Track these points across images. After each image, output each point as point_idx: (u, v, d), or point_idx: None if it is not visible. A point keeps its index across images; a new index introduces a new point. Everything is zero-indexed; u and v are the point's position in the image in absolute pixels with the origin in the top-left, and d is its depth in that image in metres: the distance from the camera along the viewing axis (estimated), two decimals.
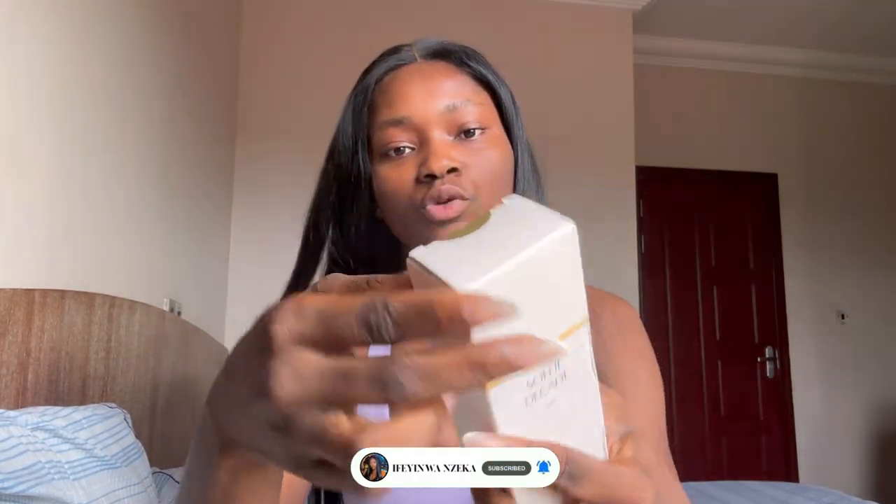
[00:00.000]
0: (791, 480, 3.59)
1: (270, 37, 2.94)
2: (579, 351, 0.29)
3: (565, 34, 3.21)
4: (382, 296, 0.23)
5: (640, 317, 0.76)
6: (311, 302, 0.25)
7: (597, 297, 0.71)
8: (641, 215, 3.66)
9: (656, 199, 3.76)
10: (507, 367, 0.23)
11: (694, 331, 3.73)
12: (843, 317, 3.89)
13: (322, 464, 0.25)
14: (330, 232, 0.68)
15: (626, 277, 3.10)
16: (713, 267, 3.81)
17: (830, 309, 3.89)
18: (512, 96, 0.67)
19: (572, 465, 0.27)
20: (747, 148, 3.92)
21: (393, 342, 0.24)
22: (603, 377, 0.64)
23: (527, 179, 0.66)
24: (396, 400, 0.23)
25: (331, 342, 0.24)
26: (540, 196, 0.68)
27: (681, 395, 3.61)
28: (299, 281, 0.69)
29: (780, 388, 3.75)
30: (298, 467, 0.26)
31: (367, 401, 0.23)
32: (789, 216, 3.91)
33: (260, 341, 0.25)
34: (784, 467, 3.68)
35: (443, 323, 0.22)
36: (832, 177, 4.00)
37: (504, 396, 0.27)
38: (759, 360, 3.76)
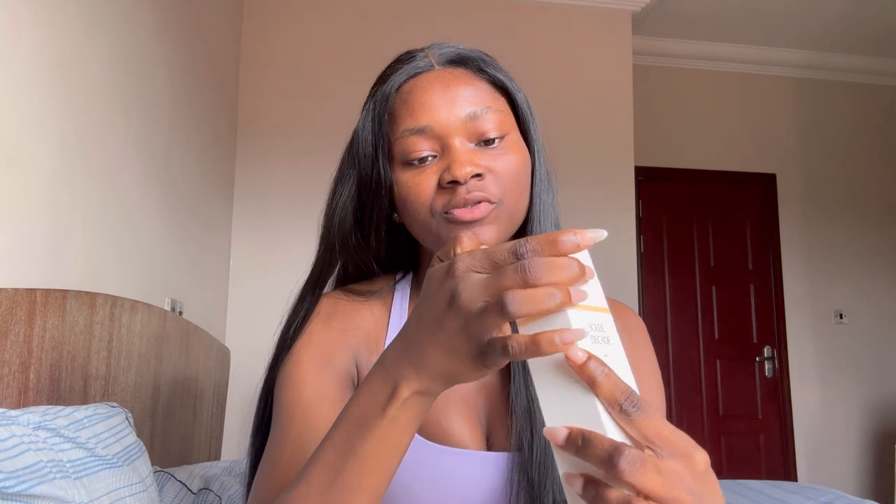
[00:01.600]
0: (789, 479, 3.60)
1: (270, 37, 2.94)
2: (612, 329, 0.41)
3: (565, 36, 3.22)
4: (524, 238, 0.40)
5: (640, 316, 0.79)
6: (477, 250, 0.42)
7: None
8: (640, 215, 3.66)
9: (655, 199, 3.76)
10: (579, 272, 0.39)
11: (693, 330, 3.73)
12: (841, 316, 3.89)
13: (490, 344, 0.40)
14: (351, 236, 0.69)
15: (625, 277, 3.11)
16: (712, 267, 3.82)
17: (829, 309, 3.90)
18: (527, 101, 0.68)
19: (635, 398, 0.38)
20: (746, 148, 3.93)
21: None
22: None
23: (542, 182, 0.68)
24: (531, 281, 0.38)
25: (490, 267, 0.40)
26: (552, 198, 0.69)
27: (680, 394, 3.61)
28: (319, 282, 0.70)
29: (779, 388, 3.76)
30: (479, 350, 0.41)
31: (515, 285, 0.39)
32: (788, 216, 3.92)
33: (444, 278, 0.42)
34: (782, 466, 3.69)
35: (559, 245, 0.39)
36: (831, 177, 4.00)
37: (577, 320, 0.39)
38: (757, 359, 3.76)
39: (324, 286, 0.70)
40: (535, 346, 0.38)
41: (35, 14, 1.18)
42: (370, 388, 0.46)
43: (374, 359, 0.68)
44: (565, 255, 0.39)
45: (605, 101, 3.21)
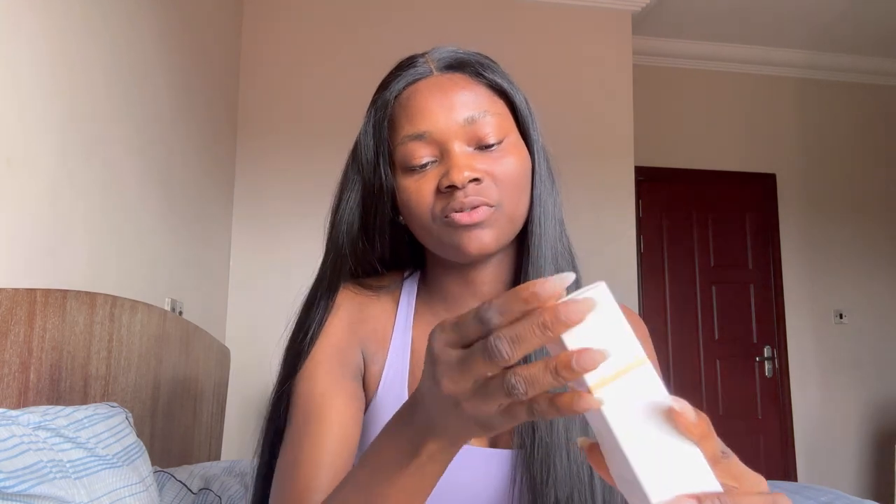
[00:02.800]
0: (789, 479, 3.60)
1: (270, 37, 2.94)
2: (646, 386, 0.36)
3: (565, 36, 3.22)
4: (491, 299, 0.35)
5: (640, 318, 0.80)
6: (447, 321, 0.38)
7: None
8: (640, 215, 3.66)
9: (655, 199, 3.76)
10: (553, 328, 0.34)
11: (693, 330, 3.73)
12: (841, 316, 3.89)
13: (500, 411, 0.37)
14: (359, 240, 0.70)
15: (625, 277, 3.11)
16: (712, 267, 3.82)
17: (829, 308, 3.90)
18: (527, 102, 0.69)
19: (722, 442, 0.37)
20: (745, 148, 3.93)
21: (497, 327, 0.34)
22: None
23: (543, 183, 0.68)
24: (500, 362, 0.34)
25: (464, 340, 0.36)
26: (554, 197, 0.70)
27: (680, 394, 3.51)
28: (331, 286, 0.70)
29: (779, 388, 3.76)
30: (493, 419, 0.37)
31: (486, 368, 0.35)
32: (788, 216, 3.92)
33: (429, 356, 0.39)
34: (782, 466, 3.69)
35: (525, 299, 0.33)
36: (830, 177, 4.01)
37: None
38: (757, 359, 3.76)
39: (336, 290, 0.70)
40: (566, 406, 0.34)
41: (36, 14, 1.18)
42: (395, 443, 0.45)
43: (380, 353, 0.69)
44: (532, 306, 0.34)
45: (606, 101, 3.21)
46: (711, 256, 3.82)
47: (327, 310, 0.69)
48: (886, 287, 3.97)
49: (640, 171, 3.35)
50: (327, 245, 0.71)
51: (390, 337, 0.70)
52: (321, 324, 0.68)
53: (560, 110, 3.06)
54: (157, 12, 1.82)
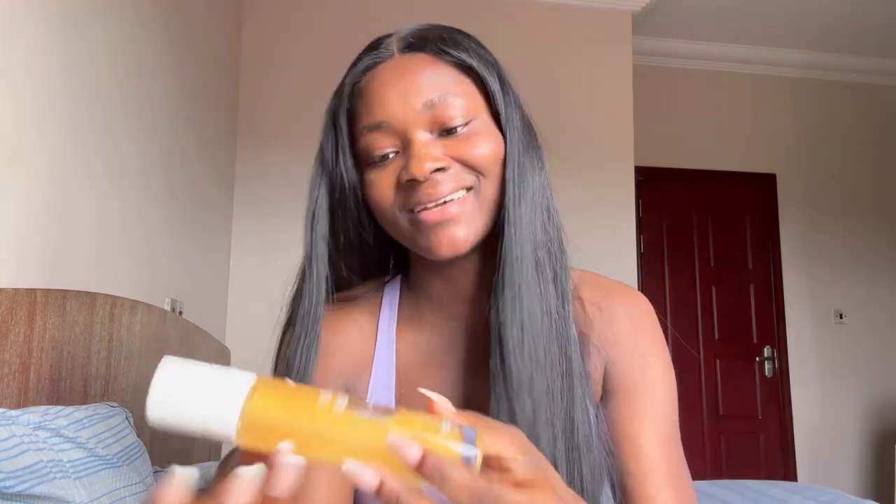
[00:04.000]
0: (789, 479, 3.60)
1: (270, 37, 2.94)
2: None
3: (565, 36, 3.22)
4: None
5: (646, 300, 0.73)
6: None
7: (608, 289, 0.70)
8: (640, 215, 3.66)
9: (655, 199, 3.76)
10: None
11: (693, 330, 3.73)
12: (841, 316, 3.89)
13: None
14: (328, 242, 0.64)
15: (624, 277, 3.08)
16: (712, 267, 3.82)
17: (829, 308, 3.90)
18: (500, 78, 0.62)
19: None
20: (745, 148, 3.93)
21: None
22: (619, 373, 0.66)
23: (518, 165, 0.60)
24: None
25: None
26: (539, 182, 0.62)
27: (680, 394, 3.57)
28: (314, 315, 0.62)
29: (779, 388, 3.75)
30: None
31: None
32: (788, 216, 3.92)
33: None
34: (782, 466, 3.69)
35: None
36: (830, 177, 4.00)
37: None
38: (757, 359, 3.76)
39: (319, 320, 0.62)
40: None
41: (35, 14, 1.18)
42: None
43: (364, 372, 0.65)
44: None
45: (605, 101, 3.21)
46: (711, 256, 3.82)
47: (312, 349, 0.61)
48: (886, 287, 3.96)
49: (640, 171, 3.35)
50: (305, 250, 0.65)
51: (373, 354, 0.66)
52: (309, 365, 0.60)
53: (560, 111, 3.06)
54: (157, 12, 1.82)
